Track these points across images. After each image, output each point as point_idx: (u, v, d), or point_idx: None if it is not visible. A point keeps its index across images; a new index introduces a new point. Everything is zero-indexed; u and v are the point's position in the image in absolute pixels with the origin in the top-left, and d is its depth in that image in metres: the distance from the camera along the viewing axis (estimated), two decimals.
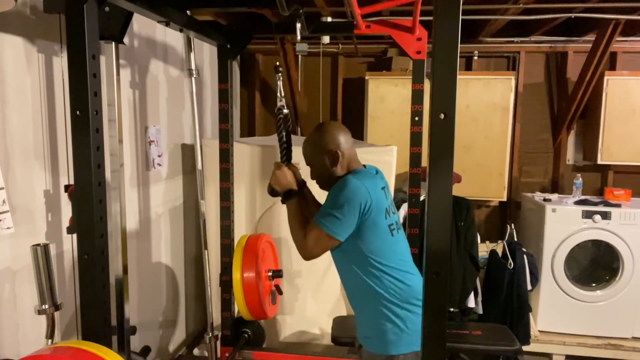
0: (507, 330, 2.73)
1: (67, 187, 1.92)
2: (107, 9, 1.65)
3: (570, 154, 4.19)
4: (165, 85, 2.93)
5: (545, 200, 3.56)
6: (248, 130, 4.52)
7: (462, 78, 3.37)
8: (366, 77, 3.85)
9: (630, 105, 3.69)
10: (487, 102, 3.71)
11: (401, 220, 3.23)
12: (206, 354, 2.75)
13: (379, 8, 2.21)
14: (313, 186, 1.96)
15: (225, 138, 2.55)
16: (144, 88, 2.68)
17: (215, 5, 2.36)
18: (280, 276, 2.54)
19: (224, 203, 2.58)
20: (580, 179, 3.76)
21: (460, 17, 1.01)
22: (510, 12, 3.15)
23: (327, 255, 3.00)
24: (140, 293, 2.68)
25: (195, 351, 3.31)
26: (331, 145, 1.79)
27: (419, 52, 2.45)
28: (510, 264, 3.27)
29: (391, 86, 3.78)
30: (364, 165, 1.88)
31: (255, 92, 4.46)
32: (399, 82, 3.76)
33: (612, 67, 3.97)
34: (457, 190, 3.36)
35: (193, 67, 2.56)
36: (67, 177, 2.00)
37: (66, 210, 2.00)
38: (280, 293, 2.57)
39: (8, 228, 1.66)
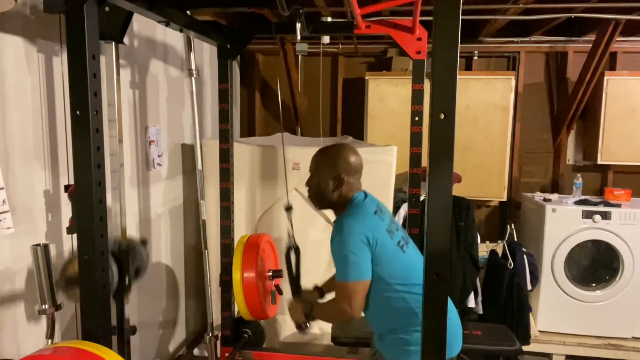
0: (507, 330, 2.73)
1: (67, 187, 1.92)
2: (107, 9, 1.65)
3: (570, 154, 4.19)
4: (165, 85, 2.93)
5: (545, 200, 3.56)
6: (248, 130, 4.51)
7: (462, 78, 3.36)
8: (366, 77, 3.85)
9: (630, 105, 3.69)
10: (487, 102, 3.71)
11: (401, 220, 3.23)
12: (206, 354, 2.75)
13: (379, 8, 2.21)
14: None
15: (225, 138, 2.55)
16: (144, 88, 2.68)
17: (215, 5, 2.36)
18: (280, 276, 2.53)
19: (224, 203, 2.58)
20: (580, 179, 3.76)
21: (460, 17, 1.01)
22: (510, 12, 3.15)
23: (327, 255, 3.00)
24: (140, 293, 2.68)
25: (195, 351, 3.32)
26: (342, 171, 1.78)
27: (419, 52, 2.45)
28: (510, 264, 3.27)
29: (391, 86, 3.78)
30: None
31: (255, 92, 4.46)
32: (399, 82, 3.76)
33: (612, 67, 3.97)
34: (457, 190, 3.35)
35: (193, 67, 2.56)
36: (67, 177, 2.00)
37: (66, 210, 2.00)
38: (280, 293, 2.56)
39: (8, 228, 1.66)
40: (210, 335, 2.67)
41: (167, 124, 2.97)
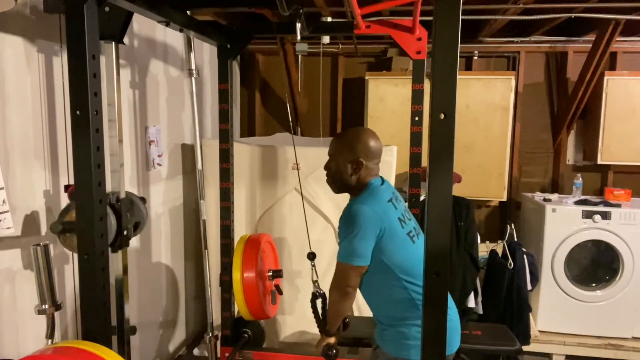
0: (507, 330, 2.73)
1: (67, 187, 1.92)
2: (107, 9, 1.65)
3: (570, 154, 4.19)
4: (165, 85, 2.94)
5: (545, 200, 3.56)
6: (248, 130, 4.52)
7: (462, 78, 3.35)
8: (366, 77, 3.85)
9: (630, 105, 3.69)
10: (487, 102, 3.71)
11: None
12: (206, 354, 2.75)
13: (379, 8, 2.21)
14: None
15: (225, 138, 2.55)
16: (144, 88, 2.68)
17: (215, 5, 2.36)
18: (280, 276, 2.54)
19: (224, 203, 2.58)
20: (580, 179, 3.76)
21: (460, 17, 1.01)
22: (510, 12, 3.15)
23: (327, 255, 3.00)
24: (140, 293, 2.68)
25: (195, 351, 3.32)
26: (360, 154, 1.78)
27: (419, 52, 2.44)
28: (510, 264, 3.27)
29: (391, 86, 3.78)
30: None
31: (255, 92, 4.46)
32: (399, 82, 3.76)
33: (612, 67, 3.97)
34: (457, 190, 3.36)
35: (193, 67, 2.56)
36: (67, 177, 2.00)
37: None
38: (280, 293, 2.57)
39: (8, 228, 1.66)
40: (210, 335, 2.67)
41: (167, 124, 2.97)
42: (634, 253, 3.32)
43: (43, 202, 1.90)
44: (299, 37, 2.09)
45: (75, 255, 1.65)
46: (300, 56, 4.12)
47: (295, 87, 4.08)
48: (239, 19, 3.42)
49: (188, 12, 2.07)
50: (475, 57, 4.14)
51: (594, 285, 3.48)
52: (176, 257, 3.19)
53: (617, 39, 3.48)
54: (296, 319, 3.09)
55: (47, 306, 1.58)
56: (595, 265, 3.55)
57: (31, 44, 1.81)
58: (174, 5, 1.88)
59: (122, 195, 1.78)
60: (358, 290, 1.81)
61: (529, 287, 3.32)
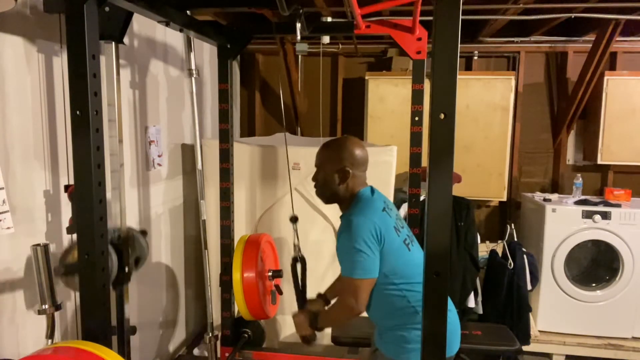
0: (507, 330, 2.73)
1: (67, 187, 1.92)
2: (107, 9, 1.65)
3: (570, 154, 4.19)
4: (165, 85, 2.93)
5: (545, 200, 3.56)
6: (248, 130, 4.51)
7: (462, 78, 3.36)
8: (366, 77, 3.85)
9: (630, 105, 3.69)
10: (487, 102, 3.71)
11: None
12: (206, 354, 2.75)
13: (379, 8, 2.21)
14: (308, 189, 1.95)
15: (225, 138, 2.55)
16: (144, 88, 2.68)
17: (215, 5, 2.36)
18: (280, 276, 2.53)
19: (224, 203, 2.58)
20: (580, 179, 3.76)
21: (460, 17, 1.01)
22: (510, 12, 3.15)
23: (327, 255, 3.00)
24: (140, 293, 2.68)
25: (195, 351, 3.32)
26: (346, 163, 1.78)
27: (419, 52, 2.45)
28: (510, 264, 3.27)
29: (391, 86, 3.78)
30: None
31: (255, 92, 4.46)
32: (399, 82, 3.76)
33: (612, 67, 3.97)
34: (457, 190, 3.36)
35: (193, 67, 2.56)
36: (67, 177, 1.99)
37: (66, 210, 2.00)
38: (280, 293, 2.57)
39: (8, 228, 1.66)
40: (210, 335, 2.67)
41: (167, 124, 2.97)
42: (634, 253, 3.32)
43: (43, 202, 1.90)
44: (299, 37, 2.09)
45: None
46: (300, 56, 4.12)
47: (295, 87, 4.08)
48: (239, 19, 3.42)
49: (188, 12, 2.07)
50: (475, 57, 4.14)
51: (594, 285, 3.48)
52: (176, 257, 3.19)
53: (617, 39, 3.48)
54: None
55: (47, 306, 1.57)
56: (595, 265, 3.55)
57: (31, 44, 1.81)
58: (174, 5, 1.88)
59: (123, 224, 1.79)
60: None
61: (529, 287, 3.32)
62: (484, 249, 3.57)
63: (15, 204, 1.74)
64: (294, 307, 3.06)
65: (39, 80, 1.86)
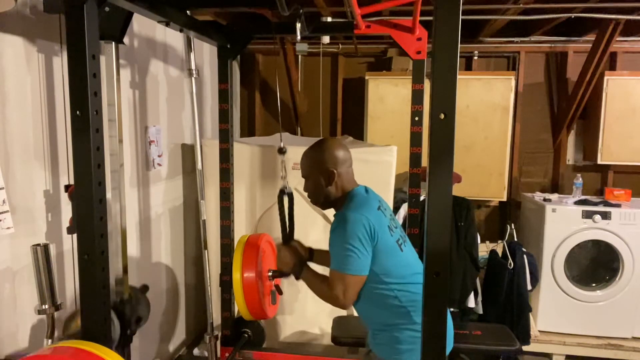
0: (507, 330, 2.73)
1: (67, 187, 1.92)
2: (107, 9, 1.65)
3: (570, 154, 4.19)
4: (165, 85, 2.93)
5: (545, 200, 3.56)
6: (248, 130, 4.51)
7: (462, 78, 3.35)
8: (366, 77, 3.85)
9: (630, 105, 3.69)
10: (487, 102, 3.71)
11: (401, 220, 3.23)
12: (206, 354, 2.75)
13: (379, 8, 2.20)
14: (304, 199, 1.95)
15: (225, 138, 2.54)
16: (144, 88, 2.68)
17: (215, 5, 2.36)
18: (280, 276, 2.53)
19: (224, 203, 2.58)
20: (580, 179, 3.76)
21: (460, 17, 1.01)
22: (510, 12, 3.15)
23: None
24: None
25: (195, 351, 3.31)
26: (329, 164, 1.78)
27: (419, 52, 2.44)
28: (510, 264, 3.27)
29: (391, 86, 3.78)
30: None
31: (255, 92, 4.46)
32: (399, 82, 3.76)
33: (612, 67, 3.97)
34: (457, 190, 3.35)
35: (193, 67, 2.56)
36: (67, 177, 2.00)
37: (66, 210, 2.00)
38: (280, 293, 2.56)
39: (8, 228, 1.67)
40: (210, 335, 2.67)
41: (167, 124, 2.97)
42: (634, 253, 3.32)
43: (43, 202, 1.90)
44: (299, 37, 2.09)
45: (76, 255, 1.65)
46: (300, 56, 4.12)
47: (295, 87, 4.08)
48: (239, 19, 3.42)
49: (188, 12, 2.07)
50: (475, 57, 4.14)
51: (594, 285, 3.48)
52: (176, 257, 3.19)
53: (617, 39, 3.48)
54: (296, 319, 3.09)
55: (47, 306, 1.57)
56: (595, 265, 3.55)
57: (31, 44, 1.81)
58: (174, 5, 1.88)
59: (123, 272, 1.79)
60: None
61: (529, 287, 3.32)
62: (484, 249, 3.57)
63: (15, 204, 1.74)
64: (294, 307, 3.09)
65: (39, 80, 1.86)
